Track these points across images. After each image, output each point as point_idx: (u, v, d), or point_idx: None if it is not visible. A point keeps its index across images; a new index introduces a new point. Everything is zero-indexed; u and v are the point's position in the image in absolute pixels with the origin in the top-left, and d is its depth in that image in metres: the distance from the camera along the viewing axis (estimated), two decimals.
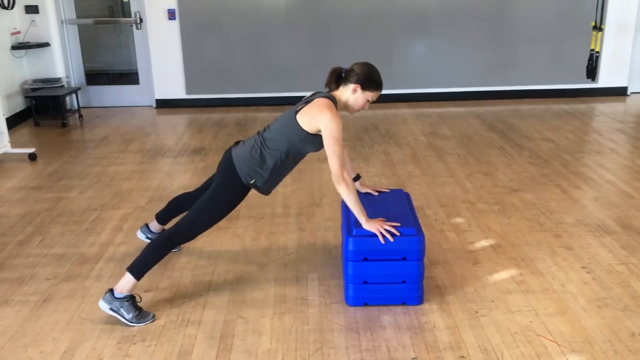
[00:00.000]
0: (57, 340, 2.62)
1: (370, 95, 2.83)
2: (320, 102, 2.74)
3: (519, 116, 6.66)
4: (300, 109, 2.78)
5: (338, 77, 2.84)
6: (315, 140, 2.76)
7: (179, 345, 2.57)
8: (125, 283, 2.73)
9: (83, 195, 4.42)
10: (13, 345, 2.60)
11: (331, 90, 2.85)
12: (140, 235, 3.44)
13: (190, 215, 2.86)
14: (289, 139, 2.78)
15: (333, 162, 2.69)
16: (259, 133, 2.89)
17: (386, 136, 5.90)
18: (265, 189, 2.89)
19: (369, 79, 2.80)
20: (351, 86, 2.80)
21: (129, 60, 7.73)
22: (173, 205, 3.38)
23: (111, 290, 2.73)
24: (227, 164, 2.85)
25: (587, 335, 2.58)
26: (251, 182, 2.83)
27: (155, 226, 3.41)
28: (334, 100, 2.80)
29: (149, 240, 3.41)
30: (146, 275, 2.80)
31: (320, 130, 2.71)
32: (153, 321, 2.74)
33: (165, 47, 7.26)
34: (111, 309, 2.71)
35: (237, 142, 2.96)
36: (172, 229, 2.86)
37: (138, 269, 2.75)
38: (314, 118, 2.71)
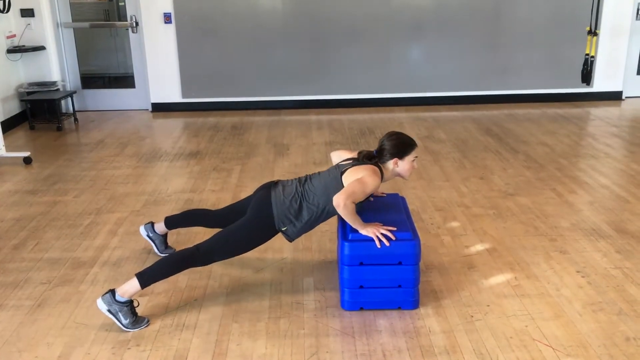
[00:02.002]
0: (51, 345, 2.61)
1: (411, 157, 2.89)
2: (368, 167, 2.81)
3: (514, 120, 6.68)
4: (347, 169, 2.81)
5: (371, 158, 2.90)
6: (356, 206, 2.79)
7: (174, 350, 2.56)
8: (130, 287, 2.71)
9: (78, 199, 4.41)
10: (7, 350, 2.59)
11: (362, 162, 2.87)
12: (142, 232, 3.42)
13: (214, 242, 2.86)
14: (328, 197, 2.80)
15: (345, 194, 2.70)
16: (300, 181, 2.92)
17: None
18: (292, 238, 2.93)
19: (402, 148, 2.87)
20: (390, 162, 2.87)
21: (124, 63, 7.72)
22: (187, 216, 3.39)
23: (112, 291, 2.71)
24: (263, 203, 2.88)
25: (582, 340, 2.58)
26: (283, 229, 2.88)
27: (160, 228, 3.39)
28: (381, 170, 2.86)
29: (148, 239, 3.40)
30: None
31: (363, 198, 2.77)
32: (147, 326, 2.73)
33: (161, 51, 7.26)
34: (109, 310, 2.69)
35: (277, 182, 2.98)
36: (192, 250, 2.85)
37: (147, 278, 2.74)
38: (357, 174, 2.76)
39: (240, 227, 2.88)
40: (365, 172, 2.77)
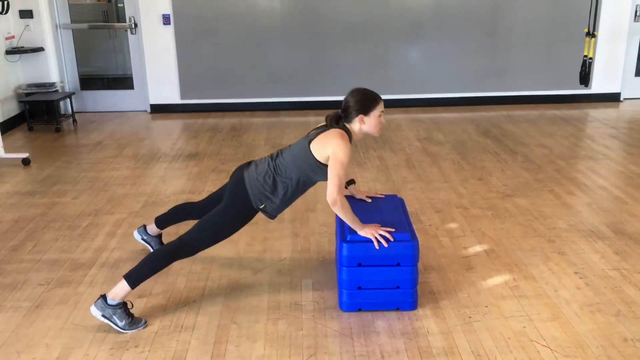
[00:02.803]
0: (49, 346, 2.61)
1: (377, 112, 2.85)
2: (333, 132, 2.78)
3: (512, 122, 6.68)
4: (314, 138, 2.80)
5: (338, 119, 2.88)
6: (326, 170, 2.77)
7: (172, 351, 2.56)
8: (119, 290, 2.71)
9: (77, 201, 4.41)
10: (5, 351, 2.58)
11: (333, 127, 2.85)
12: (136, 236, 3.43)
13: (195, 231, 2.86)
14: (300, 168, 2.80)
15: (333, 186, 2.69)
16: (272, 157, 2.90)
17: (380, 142, 5.91)
18: (273, 215, 2.92)
19: (365, 103, 2.83)
20: (356, 119, 2.83)
21: (123, 65, 7.73)
22: (175, 212, 3.38)
23: (103, 297, 2.71)
24: (238, 184, 2.86)
25: (580, 341, 2.58)
26: (261, 207, 2.86)
27: (152, 229, 3.40)
28: (348, 132, 2.84)
29: (143, 242, 3.41)
30: None
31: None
32: (145, 327, 2.73)
33: (160, 52, 7.26)
34: (103, 315, 2.69)
35: (249, 163, 2.96)
36: (175, 243, 2.85)
37: (135, 278, 2.74)
38: (325, 145, 2.74)
39: (220, 212, 2.86)
40: (333, 140, 2.72)
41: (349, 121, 2.85)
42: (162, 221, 3.38)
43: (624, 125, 6.48)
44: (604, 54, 7.47)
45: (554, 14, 7.30)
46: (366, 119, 2.83)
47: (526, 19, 7.31)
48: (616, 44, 7.45)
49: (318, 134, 2.82)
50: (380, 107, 2.85)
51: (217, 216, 2.86)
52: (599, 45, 7.36)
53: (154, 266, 2.80)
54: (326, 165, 2.76)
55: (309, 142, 2.80)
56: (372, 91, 2.87)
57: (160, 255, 2.84)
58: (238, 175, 2.90)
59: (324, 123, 2.92)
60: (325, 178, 2.80)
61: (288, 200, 2.90)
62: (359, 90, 2.87)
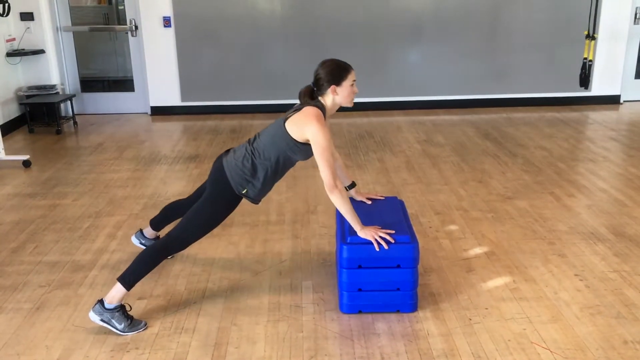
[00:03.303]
0: (50, 348, 2.62)
1: (349, 82, 2.80)
2: (307, 111, 2.74)
3: (512, 124, 6.69)
4: (289, 117, 2.78)
5: (311, 93, 2.85)
6: (304, 149, 2.77)
7: (172, 353, 2.56)
8: (116, 293, 2.71)
9: (77, 203, 4.42)
10: (6, 353, 2.59)
11: (308, 104, 2.82)
12: (135, 241, 3.44)
13: (182, 225, 2.86)
14: (278, 148, 2.78)
15: (325, 172, 2.69)
16: (249, 142, 2.89)
17: (381, 144, 5.91)
18: (256, 199, 2.90)
19: (336, 72, 2.79)
20: (328, 90, 2.80)
21: (124, 67, 7.74)
22: (167, 212, 3.38)
23: (101, 301, 2.71)
24: (218, 173, 2.85)
25: (580, 343, 2.58)
26: (243, 192, 2.84)
27: (149, 232, 3.41)
28: (322, 108, 2.80)
29: (143, 246, 3.41)
30: (140, 283, 2.79)
31: (308, 140, 2.72)
32: (145, 329, 2.74)
33: (160, 55, 7.27)
34: (102, 320, 2.69)
35: (228, 151, 2.95)
36: (164, 239, 2.86)
37: (129, 279, 2.73)
38: (302, 128, 2.72)
39: (204, 203, 2.85)
40: (309, 125, 2.68)
41: (322, 93, 2.82)
42: (157, 223, 3.39)
43: (624, 127, 6.49)
44: (603, 56, 7.48)
45: (554, 16, 7.31)
46: (339, 89, 2.79)
47: (526, 21, 7.32)
48: (616, 46, 7.46)
49: (293, 112, 2.80)
50: (352, 75, 2.81)
51: (202, 207, 2.85)
52: (598, 48, 7.37)
53: (146, 265, 2.79)
54: (303, 144, 2.74)
55: (284, 121, 2.79)
56: (342, 61, 2.83)
57: (151, 253, 2.83)
58: (217, 164, 2.89)
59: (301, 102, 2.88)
60: (304, 157, 2.80)
61: (269, 182, 2.87)
62: (329, 60, 2.83)
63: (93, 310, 2.71)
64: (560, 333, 2.66)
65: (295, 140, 2.75)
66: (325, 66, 2.81)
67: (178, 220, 3.43)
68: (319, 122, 2.70)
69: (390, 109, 7.47)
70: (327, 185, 2.70)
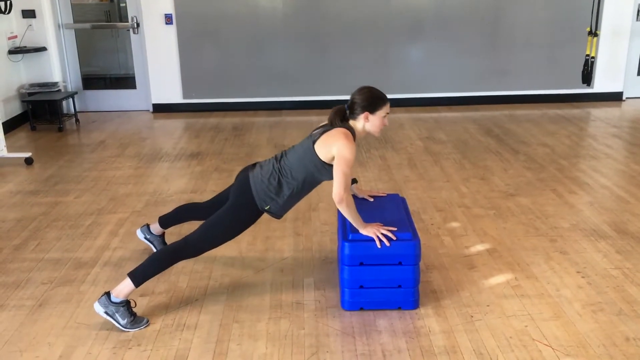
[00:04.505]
0: (52, 345, 2.62)
1: (382, 112, 2.85)
2: (337, 131, 2.78)
3: (514, 121, 6.68)
4: (318, 138, 2.80)
5: (343, 114, 2.88)
6: (331, 170, 2.78)
7: (174, 350, 2.57)
8: (123, 288, 2.73)
9: (79, 200, 4.42)
10: (8, 350, 2.59)
11: (337, 125, 2.85)
12: (140, 235, 3.44)
13: (200, 232, 2.87)
14: (306, 169, 2.80)
15: (339, 184, 2.69)
16: (276, 158, 2.91)
17: (382, 141, 5.91)
18: (279, 214, 2.92)
19: (373, 101, 2.84)
20: (361, 116, 2.83)
21: (125, 64, 7.74)
22: (179, 212, 3.39)
23: (107, 294, 2.73)
24: (243, 186, 2.87)
25: (582, 340, 2.58)
26: (266, 208, 2.87)
27: (156, 228, 3.41)
28: (352, 131, 2.83)
29: (146, 241, 3.41)
30: None
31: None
32: (147, 326, 2.74)
33: (162, 52, 7.27)
34: (106, 312, 2.70)
35: (254, 164, 2.97)
36: (180, 243, 2.86)
37: (139, 276, 2.75)
38: (330, 145, 2.74)
39: (225, 213, 2.87)
40: (338, 140, 2.72)
41: (354, 117, 2.86)
42: (166, 221, 3.39)
43: (626, 124, 6.48)
44: (606, 53, 7.46)
45: (556, 13, 7.29)
46: (371, 117, 2.84)
47: (528, 18, 7.31)
48: (618, 43, 7.44)
49: (322, 133, 2.81)
50: (387, 107, 2.87)
51: (222, 217, 2.87)
52: (601, 45, 7.35)
53: (159, 265, 2.81)
54: (331, 166, 2.76)
55: (313, 143, 2.80)
56: (380, 90, 2.88)
57: (166, 255, 2.85)
58: (243, 177, 2.91)
59: (326, 122, 2.92)
60: (330, 178, 2.80)
61: (292, 201, 2.90)
62: (368, 88, 2.88)
63: (99, 302, 2.72)
64: (562, 330, 2.66)
65: (323, 161, 2.77)
66: (362, 92, 2.85)
67: (186, 223, 3.46)
68: (348, 140, 2.74)
69: (392, 106, 7.40)
70: (337, 196, 2.69)
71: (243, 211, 2.87)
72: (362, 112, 2.82)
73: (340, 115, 2.88)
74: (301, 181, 2.83)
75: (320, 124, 2.96)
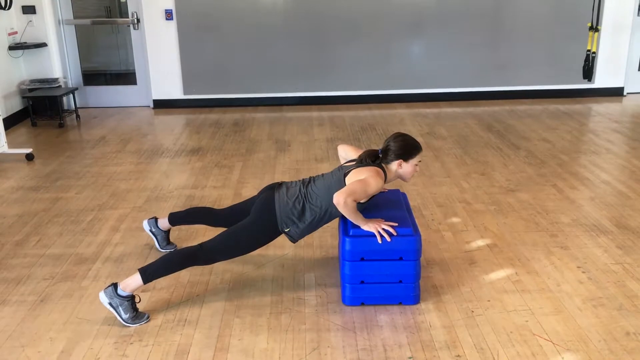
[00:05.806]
0: (54, 340, 2.63)
1: (415, 161, 2.88)
2: (371, 168, 2.79)
3: (515, 116, 6.68)
4: (350, 171, 2.81)
5: (375, 157, 2.89)
6: (358, 206, 2.78)
7: (176, 345, 2.58)
8: (132, 282, 2.73)
9: (80, 196, 4.43)
10: (10, 345, 2.60)
11: (368, 164, 2.85)
12: (145, 226, 3.44)
13: (216, 242, 2.87)
14: (332, 198, 2.78)
15: (346, 191, 2.68)
16: (303, 183, 2.92)
17: (383, 136, 5.91)
18: (296, 238, 2.93)
19: (408, 150, 2.86)
20: (395, 163, 2.85)
21: (126, 60, 7.73)
22: (191, 214, 3.40)
23: (114, 285, 2.73)
24: (267, 204, 2.88)
25: (583, 335, 2.59)
26: (286, 230, 2.88)
27: (163, 224, 3.41)
28: (384, 172, 2.84)
29: (150, 234, 3.42)
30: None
31: (364, 199, 2.76)
32: (147, 322, 2.75)
33: (162, 48, 7.26)
34: (110, 304, 2.71)
35: (280, 184, 2.97)
36: (195, 248, 2.86)
37: (149, 274, 2.76)
38: (359, 175, 2.75)
39: (244, 227, 2.89)
40: (369, 173, 2.76)
41: (387, 162, 2.88)
42: (176, 219, 3.39)
43: (627, 119, 6.47)
44: (607, 48, 7.45)
45: (557, 8, 7.28)
46: (404, 164, 2.86)
47: (529, 13, 7.29)
48: (619, 38, 7.43)
49: (355, 167, 2.83)
50: (420, 156, 2.89)
51: (241, 231, 2.88)
52: (602, 40, 7.34)
53: (170, 267, 2.83)
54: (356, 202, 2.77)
55: (345, 175, 2.81)
56: (414, 139, 2.91)
57: (179, 258, 2.85)
58: (268, 196, 2.92)
59: (355, 158, 2.93)
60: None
61: (313, 227, 2.91)
62: (402, 136, 2.90)
63: (104, 292, 2.73)
64: (562, 325, 2.66)
65: None
66: (398, 140, 2.87)
67: (188, 226, 3.45)
68: (379, 176, 2.75)
69: (393, 102, 7.46)
70: (336, 198, 2.69)
71: (263, 229, 2.89)
72: (396, 159, 2.85)
73: (372, 157, 2.89)
74: (325, 209, 2.84)
75: (349, 159, 2.96)
